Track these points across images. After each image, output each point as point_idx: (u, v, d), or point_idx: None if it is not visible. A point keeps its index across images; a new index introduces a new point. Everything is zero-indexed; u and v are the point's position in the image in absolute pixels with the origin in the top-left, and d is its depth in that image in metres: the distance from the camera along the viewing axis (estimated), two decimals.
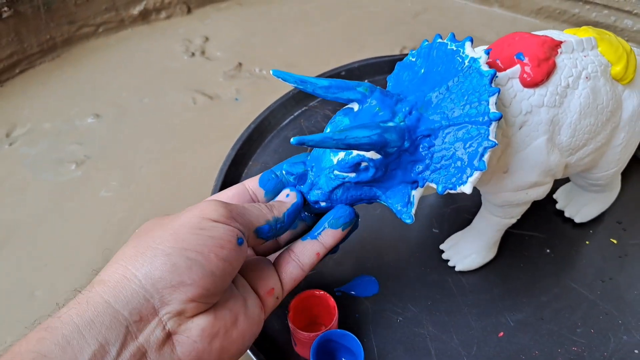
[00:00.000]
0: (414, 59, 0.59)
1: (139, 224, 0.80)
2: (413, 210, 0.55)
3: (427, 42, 0.59)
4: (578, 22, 1.09)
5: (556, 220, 0.78)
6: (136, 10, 1.16)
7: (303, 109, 0.96)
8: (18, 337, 0.69)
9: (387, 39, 1.13)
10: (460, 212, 0.75)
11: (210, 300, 0.47)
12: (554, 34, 0.62)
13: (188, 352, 0.46)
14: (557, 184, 0.79)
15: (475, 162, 0.51)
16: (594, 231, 0.77)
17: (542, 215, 0.79)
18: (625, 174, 0.80)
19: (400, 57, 0.63)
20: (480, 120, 0.51)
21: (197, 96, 1.03)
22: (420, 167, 0.54)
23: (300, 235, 0.61)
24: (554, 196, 0.80)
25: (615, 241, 0.76)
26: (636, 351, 0.65)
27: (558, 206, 0.79)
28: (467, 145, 0.52)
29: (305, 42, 1.15)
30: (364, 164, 0.53)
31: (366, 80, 0.96)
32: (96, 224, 0.82)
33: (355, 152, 0.53)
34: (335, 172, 0.55)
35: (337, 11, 1.22)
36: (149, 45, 1.15)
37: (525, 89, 0.57)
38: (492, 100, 0.51)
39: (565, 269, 0.73)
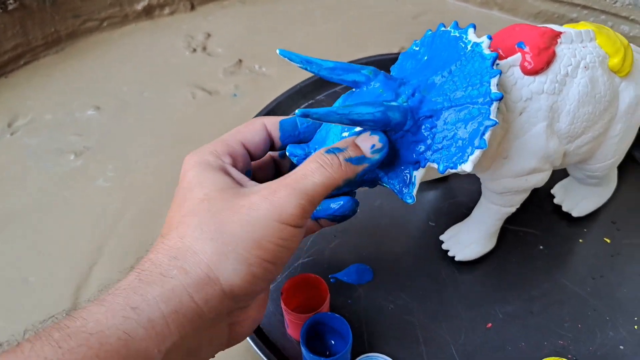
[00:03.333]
0: (417, 48, 0.62)
1: (134, 214, 0.84)
2: (414, 191, 0.56)
3: (430, 31, 0.61)
4: None
5: (552, 217, 0.81)
6: (140, 5, 1.19)
7: (311, 102, 0.99)
8: (11, 322, 0.72)
9: (388, 40, 1.15)
10: (457, 206, 0.78)
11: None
12: (553, 27, 0.64)
13: (234, 336, 0.51)
14: (555, 179, 0.82)
15: (476, 141, 0.53)
16: (588, 230, 0.80)
17: (538, 212, 0.81)
18: (621, 175, 0.84)
19: (398, 56, 0.66)
20: (482, 100, 0.53)
21: (197, 91, 1.06)
22: (422, 148, 0.55)
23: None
24: (552, 191, 0.82)
25: (608, 240, 0.78)
26: (621, 347, 0.68)
27: (556, 201, 0.81)
28: (469, 125, 0.54)
29: (306, 41, 1.18)
30: None
31: None
32: (92, 213, 0.85)
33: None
34: None
35: (338, 11, 1.25)
36: (151, 40, 1.18)
37: (526, 77, 0.59)
38: (494, 81, 0.53)
39: (558, 265, 0.76)
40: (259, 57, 1.14)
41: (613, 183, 0.81)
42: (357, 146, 0.53)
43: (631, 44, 0.69)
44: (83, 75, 1.10)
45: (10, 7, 1.03)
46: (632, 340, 0.68)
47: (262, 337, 0.67)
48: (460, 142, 0.54)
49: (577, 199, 0.80)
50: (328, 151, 0.51)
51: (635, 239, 0.78)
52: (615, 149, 0.69)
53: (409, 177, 0.56)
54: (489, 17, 1.20)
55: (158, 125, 1.00)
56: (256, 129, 0.58)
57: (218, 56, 1.14)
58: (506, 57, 0.60)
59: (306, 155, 0.58)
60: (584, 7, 1.09)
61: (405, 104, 0.54)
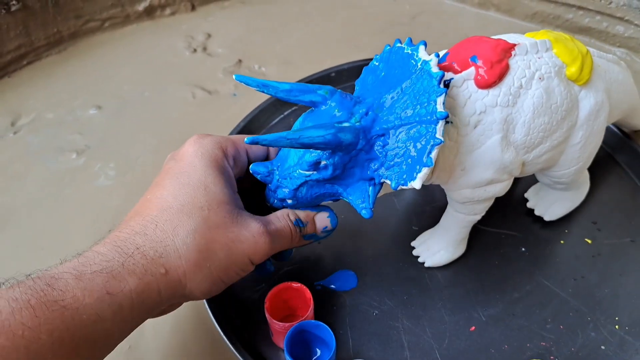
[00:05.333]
0: (377, 64, 0.61)
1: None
2: (371, 206, 0.58)
3: (388, 47, 0.60)
4: (571, 27, 1.09)
5: (533, 220, 0.79)
6: (141, 6, 1.17)
7: (294, 108, 0.97)
8: None
9: (384, 40, 1.12)
10: (439, 210, 0.75)
11: None
12: (512, 37, 0.63)
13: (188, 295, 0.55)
14: (528, 183, 0.81)
15: (424, 159, 0.53)
16: (569, 231, 0.78)
17: (519, 215, 0.80)
18: (602, 176, 0.82)
19: None
20: (429, 119, 0.53)
21: (197, 91, 1.04)
22: (376, 165, 0.56)
23: None
24: (525, 195, 0.81)
25: (589, 241, 0.77)
26: (603, 347, 0.66)
27: (529, 205, 0.80)
28: (417, 143, 0.54)
29: (303, 41, 1.16)
30: (323, 163, 0.55)
31: (355, 82, 0.98)
32: (92, 210, 0.84)
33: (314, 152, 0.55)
34: (298, 170, 0.56)
35: (335, 11, 1.23)
36: (152, 40, 1.16)
37: (480, 90, 0.58)
38: (440, 100, 0.52)
39: (539, 266, 0.74)
40: (258, 57, 1.12)
41: (585, 187, 0.80)
42: (314, 223, 0.62)
43: (592, 50, 0.68)
44: (85, 74, 1.08)
45: (13, 8, 1.01)
46: (614, 341, 0.66)
47: (246, 346, 0.65)
48: (410, 159, 0.54)
49: (548, 203, 0.78)
50: (296, 222, 0.60)
51: (615, 239, 0.77)
52: (579, 156, 0.68)
53: (365, 193, 0.58)
54: (485, 18, 1.18)
55: (158, 124, 0.98)
56: None
57: (218, 56, 1.12)
58: (461, 71, 0.59)
59: (270, 173, 0.59)
60: (579, 7, 1.06)
61: (357, 123, 0.55)
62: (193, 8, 1.23)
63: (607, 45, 1.07)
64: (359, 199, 0.58)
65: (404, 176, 0.55)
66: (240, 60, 1.10)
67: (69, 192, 0.87)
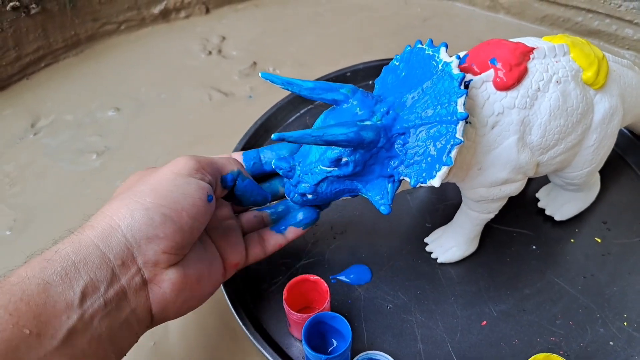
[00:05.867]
0: (397, 63, 0.63)
1: None
2: (389, 202, 0.59)
3: (409, 47, 0.62)
4: (581, 30, 1.11)
5: (544, 219, 0.81)
6: (157, 9, 1.20)
7: (309, 107, 0.99)
8: None
9: (396, 42, 1.15)
10: (452, 208, 0.77)
11: (181, 252, 0.54)
12: (530, 41, 0.64)
13: (158, 300, 0.52)
14: (540, 183, 0.82)
15: (444, 158, 0.55)
16: (579, 230, 0.79)
17: (531, 214, 0.81)
18: (613, 177, 0.84)
19: None
20: (449, 119, 0.55)
21: (213, 93, 1.06)
22: (396, 163, 0.58)
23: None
24: (537, 195, 0.82)
25: (599, 240, 0.78)
26: (611, 343, 0.68)
27: (540, 205, 0.81)
28: (437, 142, 0.55)
29: (317, 43, 1.18)
30: (344, 159, 0.57)
31: (370, 81, 1.00)
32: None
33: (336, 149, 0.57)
34: (320, 166, 0.58)
35: (348, 14, 1.25)
36: (168, 43, 1.18)
37: (498, 92, 0.60)
38: (460, 101, 0.54)
39: (550, 264, 0.76)
40: (272, 59, 1.14)
41: (595, 188, 0.81)
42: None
43: (607, 54, 0.69)
44: (102, 76, 1.10)
45: (32, 12, 1.03)
46: (622, 337, 0.68)
47: (265, 336, 0.67)
48: (429, 158, 0.56)
49: (559, 204, 0.80)
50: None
51: (625, 238, 0.78)
52: (592, 158, 0.69)
53: (384, 189, 0.59)
54: (495, 21, 1.20)
55: (175, 126, 1.00)
56: (231, 161, 0.63)
57: (233, 58, 1.14)
58: (480, 73, 0.60)
59: (291, 168, 0.61)
60: (589, 10, 1.08)
61: (379, 122, 0.56)
62: (207, 11, 1.25)
63: (616, 47, 1.09)
64: (377, 196, 0.60)
65: (424, 174, 0.56)
66: (255, 63, 1.12)
67: (88, 192, 0.89)
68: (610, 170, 0.85)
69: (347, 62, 1.04)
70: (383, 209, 0.59)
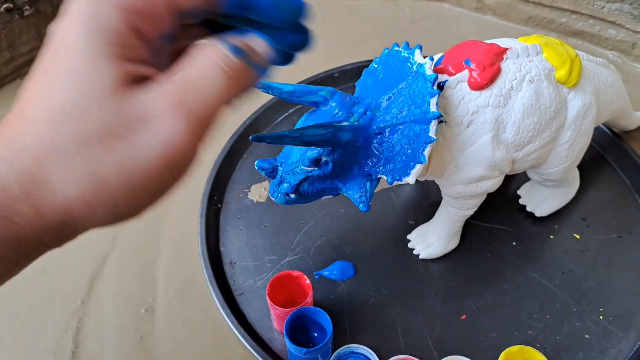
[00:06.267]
0: (376, 66, 0.65)
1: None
2: (368, 200, 0.61)
3: (387, 50, 0.64)
4: (565, 31, 1.13)
5: (525, 216, 0.83)
6: None
7: (298, 107, 1.01)
8: (30, 311, 0.74)
9: (386, 43, 1.14)
10: (435, 205, 0.79)
11: None
12: (505, 42, 0.66)
13: None
14: (521, 180, 0.84)
15: (418, 156, 0.57)
16: (559, 227, 0.82)
17: (512, 211, 0.84)
18: (592, 174, 0.86)
19: None
20: (423, 118, 0.57)
21: None
22: (373, 162, 0.60)
23: None
24: (518, 192, 0.84)
25: (578, 236, 0.80)
26: (587, 336, 0.70)
27: (521, 201, 0.83)
28: (411, 141, 0.58)
29: None
30: (323, 159, 0.59)
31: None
32: None
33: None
34: (301, 166, 0.60)
35: (339, 16, 1.26)
36: None
37: (473, 92, 0.62)
38: (433, 101, 0.57)
39: (529, 260, 0.78)
40: None
41: (575, 184, 0.83)
42: (253, 50, 0.38)
43: (582, 53, 0.72)
44: None
45: (26, 13, 1.05)
46: (597, 330, 0.70)
47: (249, 330, 0.70)
48: (404, 157, 0.58)
49: (540, 200, 0.82)
50: (234, 50, 0.36)
51: (603, 235, 0.80)
52: (567, 154, 0.71)
53: (363, 188, 0.61)
54: (483, 22, 1.22)
55: None
56: None
57: None
58: (455, 74, 0.62)
59: (274, 169, 0.62)
60: (573, 12, 1.10)
61: (356, 122, 0.58)
62: None
63: (599, 48, 1.11)
64: (357, 194, 0.61)
65: (399, 172, 0.59)
66: None
67: None
68: (590, 168, 0.87)
69: (337, 63, 1.06)
70: (362, 207, 0.61)
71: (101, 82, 0.33)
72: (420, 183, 0.83)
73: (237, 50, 0.36)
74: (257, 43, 0.39)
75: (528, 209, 0.82)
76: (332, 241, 0.80)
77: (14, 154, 0.33)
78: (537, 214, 0.82)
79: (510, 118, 0.63)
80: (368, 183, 0.61)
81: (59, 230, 0.36)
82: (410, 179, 0.58)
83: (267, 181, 0.87)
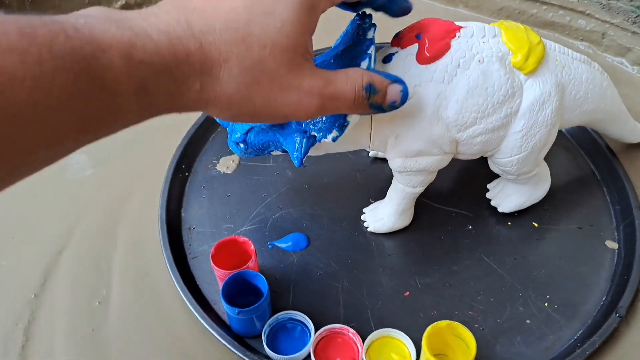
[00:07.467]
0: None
1: (103, 204, 0.87)
2: (302, 156, 0.64)
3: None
4: (536, 22, 1.15)
5: (486, 202, 0.84)
6: (118, 4, 1.20)
7: None
8: None
9: None
10: None
11: None
12: (469, 24, 0.67)
13: None
14: (494, 175, 0.83)
15: (342, 117, 0.61)
16: (518, 214, 0.83)
17: (475, 197, 0.86)
18: (561, 163, 0.88)
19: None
20: None
21: None
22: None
23: None
24: (488, 185, 0.86)
25: (536, 225, 0.82)
26: (528, 321, 0.72)
27: (487, 195, 0.85)
28: None
29: None
30: None
31: None
32: (62, 202, 0.88)
33: None
34: None
35: None
36: None
37: (419, 65, 0.64)
38: (364, 64, 0.60)
39: (482, 244, 0.80)
40: None
41: (543, 186, 0.82)
42: (385, 94, 0.58)
43: (560, 46, 0.72)
44: None
45: None
46: (540, 316, 0.72)
47: (195, 292, 0.74)
48: (333, 116, 0.61)
49: (505, 195, 0.82)
50: (367, 88, 0.55)
51: (561, 225, 0.82)
52: (521, 145, 0.70)
53: (299, 143, 0.64)
54: (455, 14, 1.23)
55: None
56: None
57: None
58: (406, 47, 0.65)
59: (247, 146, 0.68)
60: (543, 2, 1.12)
61: None
62: None
63: (570, 39, 1.13)
64: (293, 149, 0.64)
65: (324, 130, 0.62)
66: None
67: (39, 184, 0.91)
68: (560, 158, 0.89)
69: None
70: (295, 162, 0.64)
71: (293, 37, 0.48)
72: (385, 163, 0.84)
73: (371, 88, 0.55)
74: (393, 89, 0.58)
75: (492, 203, 0.84)
76: (291, 214, 0.84)
77: (205, 43, 0.45)
78: (500, 209, 0.83)
79: (453, 96, 0.65)
80: (305, 140, 0.64)
81: (198, 104, 0.48)
82: (330, 137, 0.61)
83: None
